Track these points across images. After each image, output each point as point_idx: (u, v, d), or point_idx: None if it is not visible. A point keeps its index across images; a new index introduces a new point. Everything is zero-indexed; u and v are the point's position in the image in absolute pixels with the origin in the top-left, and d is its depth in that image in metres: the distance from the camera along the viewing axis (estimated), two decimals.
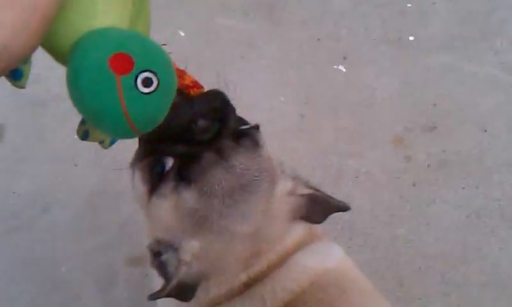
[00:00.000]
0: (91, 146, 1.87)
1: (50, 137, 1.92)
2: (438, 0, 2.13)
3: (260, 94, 1.96)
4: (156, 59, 0.74)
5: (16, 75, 0.74)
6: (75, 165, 1.87)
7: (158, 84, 0.72)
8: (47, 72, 1.87)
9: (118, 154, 1.85)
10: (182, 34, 2.05)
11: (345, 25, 2.07)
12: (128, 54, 0.71)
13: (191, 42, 2.03)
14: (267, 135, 1.88)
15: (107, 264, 1.75)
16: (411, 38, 2.06)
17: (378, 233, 1.77)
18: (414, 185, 1.84)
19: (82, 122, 0.85)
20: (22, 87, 0.76)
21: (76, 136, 0.88)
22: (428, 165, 1.86)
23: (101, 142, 0.90)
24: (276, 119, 1.93)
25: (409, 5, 2.12)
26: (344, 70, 2.00)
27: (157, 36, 2.04)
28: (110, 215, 1.81)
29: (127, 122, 0.72)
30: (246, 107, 1.89)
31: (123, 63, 0.70)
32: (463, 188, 1.83)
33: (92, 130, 0.86)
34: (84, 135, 0.87)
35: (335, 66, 2.00)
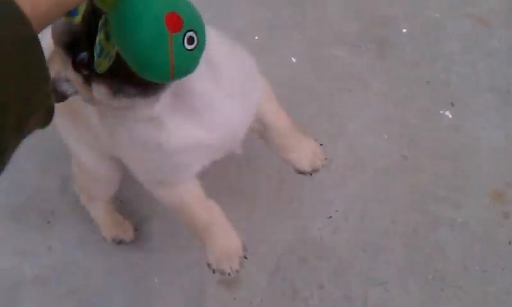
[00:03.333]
0: None
1: None
2: None
3: (364, 129, 1.95)
4: (198, 21, 0.87)
5: (72, 12, 0.84)
6: None
7: (197, 42, 0.85)
8: None
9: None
10: (294, 60, 2.05)
11: (456, 70, 2.04)
12: (178, 14, 0.82)
13: (301, 69, 2.03)
14: (367, 172, 1.89)
15: (198, 282, 1.77)
16: None
17: (469, 287, 1.74)
18: (510, 243, 1.81)
19: (100, 53, 0.91)
20: (78, 23, 0.86)
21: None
22: None
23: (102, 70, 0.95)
24: (378, 157, 1.91)
25: None
26: (450, 116, 1.97)
27: (268, 58, 2.06)
28: None
29: (170, 73, 0.85)
30: (349, 141, 1.91)
31: (176, 22, 0.82)
32: None
33: (104, 61, 0.91)
34: (98, 65, 0.93)
35: (441, 111, 1.98)
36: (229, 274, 1.40)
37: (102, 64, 0.89)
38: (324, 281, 1.75)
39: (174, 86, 1.04)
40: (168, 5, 0.82)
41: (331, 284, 1.74)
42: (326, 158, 1.51)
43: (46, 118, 0.71)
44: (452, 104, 1.99)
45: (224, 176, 1.86)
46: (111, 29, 0.84)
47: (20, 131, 0.65)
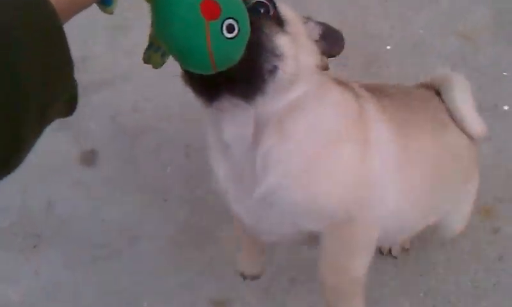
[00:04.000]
0: (182, 182, 1.91)
1: (142, 168, 1.93)
2: None
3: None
4: (238, 9, 0.84)
5: (107, 2, 0.81)
6: (165, 200, 1.88)
7: (239, 31, 0.83)
8: (144, 103, 1.88)
9: (204, 195, 1.89)
10: None
11: None
12: (215, 1, 0.80)
13: None
14: None
15: (189, 304, 1.74)
16: (505, 108, 2.04)
17: (461, 303, 1.73)
18: (499, 260, 1.80)
19: (148, 47, 0.93)
20: (111, 13, 0.82)
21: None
22: None
23: (157, 67, 0.96)
24: None
25: (505, 73, 2.10)
26: None
27: None
28: (195, 253, 1.81)
29: (210, 61, 0.82)
30: None
31: (212, 10, 0.79)
32: None
33: (153, 55, 0.93)
34: (147, 59, 0.94)
35: None
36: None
37: (153, 58, 0.89)
38: (314, 301, 1.72)
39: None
40: None
41: (322, 305, 1.72)
42: None
43: (69, 107, 0.71)
44: None
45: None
46: (152, 20, 0.83)
47: (42, 121, 0.64)
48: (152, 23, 0.84)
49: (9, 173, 0.63)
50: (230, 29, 0.81)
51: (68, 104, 0.71)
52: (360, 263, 1.22)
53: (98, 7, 0.80)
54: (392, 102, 1.25)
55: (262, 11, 0.97)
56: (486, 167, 1.92)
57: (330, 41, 1.09)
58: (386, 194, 1.17)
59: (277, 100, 0.99)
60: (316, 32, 1.08)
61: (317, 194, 1.08)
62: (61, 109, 0.69)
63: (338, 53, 1.10)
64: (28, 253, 1.84)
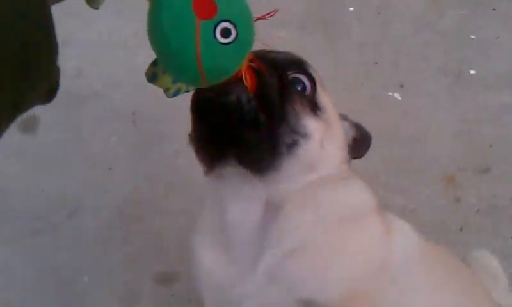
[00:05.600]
0: (128, 152, 1.82)
1: (86, 137, 1.83)
2: (502, 33, 2.02)
3: None
4: (239, 12, 0.74)
5: None
6: (110, 168, 1.78)
7: (236, 37, 0.72)
8: (90, 67, 1.78)
9: (152, 165, 1.80)
10: None
11: (405, 50, 1.96)
12: (213, 1, 0.71)
13: None
14: None
15: (132, 278, 1.66)
16: (472, 72, 1.95)
17: None
18: (461, 230, 1.74)
19: (154, 63, 0.82)
20: (97, 8, 0.74)
21: (144, 77, 0.82)
22: (478, 209, 1.76)
23: (166, 91, 0.85)
24: None
25: (472, 36, 2.01)
26: (400, 99, 1.89)
27: None
28: (141, 226, 1.72)
29: (198, 67, 0.72)
30: None
31: (207, 8, 0.70)
32: None
33: (161, 75, 0.82)
34: (152, 78, 0.84)
35: (390, 93, 1.89)
36: None
37: (161, 80, 0.80)
38: None
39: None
40: None
41: None
42: None
43: (48, 94, 0.66)
44: (401, 86, 1.90)
45: None
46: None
47: (16, 108, 0.60)
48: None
49: None
50: (225, 33, 0.71)
51: (49, 92, 0.66)
52: None
53: None
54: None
55: (298, 88, 0.90)
56: (448, 134, 1.86)
57: (360, 144, 1.10)
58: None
59: (292, 181, 0.90)
60: (351, 134, 1.07)
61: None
62: (40, 96, 0.64)
63: (362, 156, 1.11)
64: None
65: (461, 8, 2.05)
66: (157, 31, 0.71)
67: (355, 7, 2.04)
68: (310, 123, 0.89)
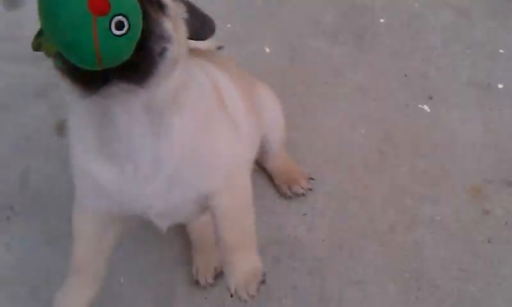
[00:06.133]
0: None
1: None
2: None
3: (341, 123, 1.89)
4: (129, 5, 0.82)
5: None
6: None
7: (128, 28, 0.81)
8: None
9: None
10: (268, 50, 1.98)
11: (434, 63, 1.99)
12: None
13: (276, 59, 1.96)
14: (343, 167, 1.82)
15: (167, 280, 1.68)
16: (500, 86, 1.98)
17: (446, 286, 1.69)
18: (489, 242, 1.76)
19: (38, 35, 0.90)
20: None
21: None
22: (506, 222, 1.78)
23: (49, 55, 0.92)
24: (355, 152, 1.86)
25: (501, 51, 2.03)
26: (428, 110, 1.91)
27: (242, 49, 1.99)
28: (177, 228, 1.75)
29: (96, 58, 0.80)
30: (324, 135, 1.84)
31: (101, 5, 0.77)
32: None
33: (45, 44, 0.88)
34: (37, 47, 0.92)
35: (419, 105, 1.92)
36: (245, 301, 1.26)
37: (44, 47, 0.86)
38: (298, 281, 1.68)
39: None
40: None
41: (306, 284, 1.68)
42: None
43: None
44: (430, 98, 1.93)
45: None
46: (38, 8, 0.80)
47: None
48: (39, 12, 0.81)
49: None
50: (119, 26, 0.80)
51: None
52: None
53: None
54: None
55: None
56: (475, 145, 1.89)
57: (197, 23, 1.16)
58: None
59: (167, 83, 1.02)
60: (182, 10, 1.13)
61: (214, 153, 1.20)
62: None
63: (208, 37, 1.19)
64: (1, 225, 1.77)
65: (491, 21, 2.07)
66: (54, 25, 0.78)
67: (386, 19, 2.06)
68: (168, 26, 0.99)
